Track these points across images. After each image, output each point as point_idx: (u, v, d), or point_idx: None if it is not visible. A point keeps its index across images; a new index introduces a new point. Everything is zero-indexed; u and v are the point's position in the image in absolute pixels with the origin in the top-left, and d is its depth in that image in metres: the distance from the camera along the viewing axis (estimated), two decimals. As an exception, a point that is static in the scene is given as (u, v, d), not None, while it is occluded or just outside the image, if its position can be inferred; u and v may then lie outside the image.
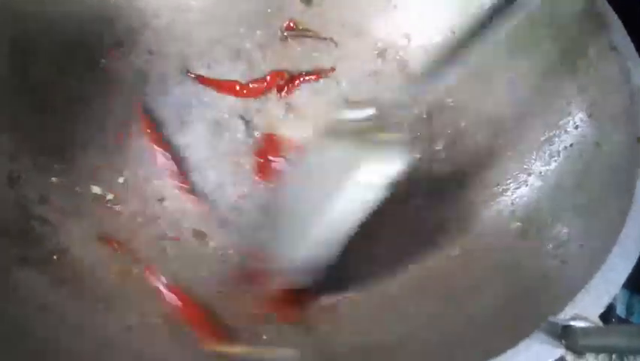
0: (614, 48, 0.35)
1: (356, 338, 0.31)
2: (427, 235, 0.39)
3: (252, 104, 0.48)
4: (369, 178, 0.32)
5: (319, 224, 0.34)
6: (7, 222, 0.33)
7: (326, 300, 0.36)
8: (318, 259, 0.34)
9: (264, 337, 0.32)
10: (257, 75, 0.49)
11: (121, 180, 0.41)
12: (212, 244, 0.40)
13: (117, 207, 0.39)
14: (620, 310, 0.42)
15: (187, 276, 0.36)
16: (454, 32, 0.46)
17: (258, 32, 0.50)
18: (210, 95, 0.48)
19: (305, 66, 0.50)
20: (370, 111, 0.37)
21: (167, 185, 0.42)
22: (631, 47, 0.35)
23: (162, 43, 0.48)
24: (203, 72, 0.48)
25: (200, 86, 0.48)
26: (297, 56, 0.50)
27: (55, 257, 0.33)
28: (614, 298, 0.42)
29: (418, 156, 0.45)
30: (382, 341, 0.29)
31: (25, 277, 0.30)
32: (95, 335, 0.28)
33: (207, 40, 0.50)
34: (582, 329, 0.23)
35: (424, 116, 0.47)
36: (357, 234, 0.35)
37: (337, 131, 0.37)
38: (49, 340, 0.26)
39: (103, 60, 0.45)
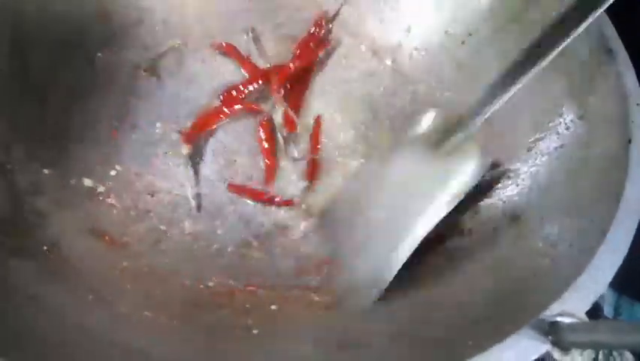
0: (607, 51, 0.35)
1: (345, 332, 0.31)
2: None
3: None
4: (449, 189, 0.34)
5: (399, 239, 0.35)
6: (1, 214, 0.33)
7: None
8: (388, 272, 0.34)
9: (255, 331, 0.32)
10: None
11: (113, 173, 0.41)
12: (203, 238, 0.40)
13: (109, 200, 0.39)
14: (608, 312, 0.43)
15: (179, 268, 0.36)
16: (447, 32, 0.46)
17: (253, 28, 0.51)
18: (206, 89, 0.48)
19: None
20: (430, 119, 0.37)
21: (158, 179, 0.42)
22: (623, 50, 0.35)
23: (157, 38, 0.48)
24: (197, 67, 0.49)
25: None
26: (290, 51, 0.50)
27: (46, 248, 0.33)
28: (602, 299, 0.43)
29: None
30: (369, 336, 0.30)
31: (16, 268, 0.30)
32: (85, 326, 0.27)
33: (202, 36, 0.50)
34: (569, 324, 0.23)
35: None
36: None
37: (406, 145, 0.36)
38: (38, 330, 0.25)
39: (99, 54, 0.45)
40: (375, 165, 0.42)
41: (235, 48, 0.49)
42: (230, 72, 0.49)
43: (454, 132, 0.37)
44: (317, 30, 0.49)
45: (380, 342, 0.29)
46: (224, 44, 0.49)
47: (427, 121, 0.40)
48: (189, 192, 0.42)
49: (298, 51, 0.49)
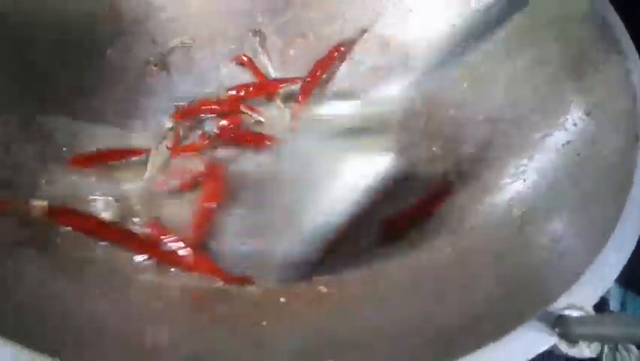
0: (617, 50, 0.35)
1: (346, 333, 0.32)
2: (422, 231, 0.39)
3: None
4: (354, 178, 0.34)
5: (305, 220, 0.35)
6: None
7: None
8: (305, 256, 0.35)
9: (264, 323, 0.32)
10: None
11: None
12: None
13: (118, 195, 0.39)
14: (614, 307, 0.43)
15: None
16: (454, 25, 0.46)
17: (260, 26, 0.51)
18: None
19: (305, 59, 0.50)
20: (356, 107, 0.37)
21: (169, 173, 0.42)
22: (632, 47, 0.35)
23: (166, 34, 0.49)
24: (205, 64, 0.49)
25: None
26: (299, 48, 0.50)
27: (58, 240, 0.33)
28: (609, 294, 0.43)
29: (415, 153, 0.45)
30: (373, 335, 0.30)
31: (26, 260, 0.30)
32: (94, 314, 0.28)
33: (210, 33, 0.50)
34: (576, 317, 0.23)
35: (423, 115, 0.47)
36: (347, 230, 0.35)
37: (319, 127, 0.37)
38: (48, 322, 0.26)
39: (108, 50, 0.45)
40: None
41: (251, 61, 0.50)
42: (238, 70, 0.50)
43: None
44: (336, 53, 0.50)
45: (384, 337, 0.29)
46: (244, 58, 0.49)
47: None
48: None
49: (318, 72, 0.49)
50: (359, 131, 0.37)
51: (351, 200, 0.34)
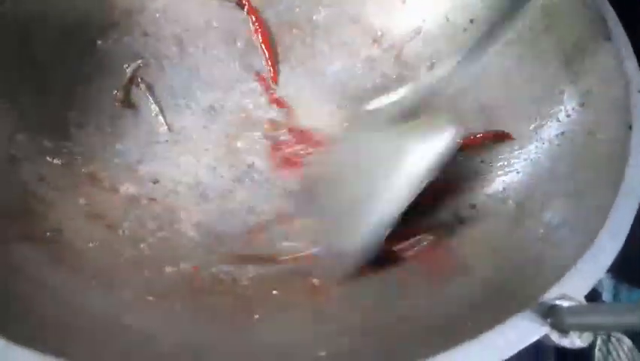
0: (608, 38, 0.35)
1: (339, 323, 0.32)
2: (417, 221, 0.39)
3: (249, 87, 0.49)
4: (418, 161, 0.33)
5: (367, 214, 0.34)
6: (6, 200, 0.33)
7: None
8: (364, 249, 0.34)
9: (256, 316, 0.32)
10: (252, 59, 0.50)
11: (115, 160, 0.41)
12: (205, 225, 0.40)
13: (111, 187, 0.39)
14: (607, 298, 0.43)
15: (181, 255, 0.36)
16: (448, 19, 0.46)
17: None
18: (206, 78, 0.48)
19: (299, 52, 0.50)
20: (396, 96, 0.36)
21: (162, 167, 0.42)
22: (625, 37, 0.35)
23: (158, 25, 0.48)
24: (199, 56, 0.49)
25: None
26: (292, 40, 0.50)
27: (49, 234, 0.33)
28: (601, 286, 0.43)
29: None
30: (366, 325, 0.30)
31: (23, 254, 0.30)
32: (88, 309, 0.28)
33: (203, 24, 0.50)
34: (568, 307, 0.23)
35: (420, 105, 0.47)
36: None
37: (372, 121, 0.36)
38: (41, 313, 0.26)
39: (99, 41, 0.45)
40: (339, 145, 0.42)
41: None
42: (231, 61, 0.49)
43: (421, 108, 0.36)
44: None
45: (380, 327, 0.29)
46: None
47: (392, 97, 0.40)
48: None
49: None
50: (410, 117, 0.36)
51: (415, 185, 0.33)
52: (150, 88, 0.46)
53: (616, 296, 0.43)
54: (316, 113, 0.48)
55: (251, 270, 0.36)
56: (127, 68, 0.46)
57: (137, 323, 0.28)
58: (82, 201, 0.37)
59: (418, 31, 0.48)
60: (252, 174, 0.44)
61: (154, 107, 0.45)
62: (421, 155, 0.33)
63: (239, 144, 0.46)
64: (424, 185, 0.33)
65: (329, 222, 0.38)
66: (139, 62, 0.47)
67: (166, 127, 0.44)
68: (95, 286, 0.31)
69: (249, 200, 0.42)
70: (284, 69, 0.50)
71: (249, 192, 0.43)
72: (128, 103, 0.45)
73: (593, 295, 0.26)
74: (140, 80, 0.46)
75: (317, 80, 0.49)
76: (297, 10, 0.51)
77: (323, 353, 0.26)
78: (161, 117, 0.45)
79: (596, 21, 0.36)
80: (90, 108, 0.42)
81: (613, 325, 0.22)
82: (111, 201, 0.38)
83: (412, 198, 0.34)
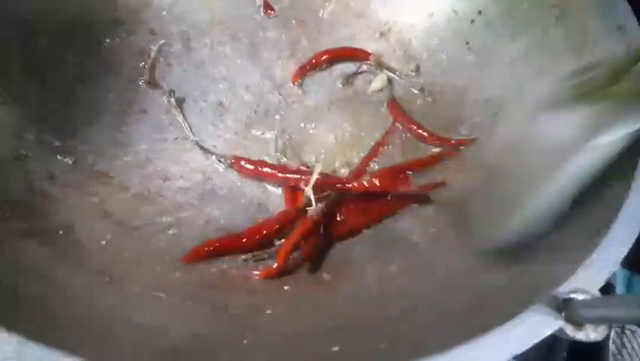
0: (619, 27, 0.35)
1: (349, 316, 0.32)
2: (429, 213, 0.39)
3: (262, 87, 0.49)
4: (610, 136, 0.29)
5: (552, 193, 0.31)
6: (15, 198, 0.33)
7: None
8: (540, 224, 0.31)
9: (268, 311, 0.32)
10: (259, 56, 0.49)
11: (124, 157, 0.41)
12: (215, 221, 0.40)
13: (120, 185, 0.39)
14: (620, 291, 0.43)
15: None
16: (456, 12, 0.46)
17: (261, 14, 0.51)
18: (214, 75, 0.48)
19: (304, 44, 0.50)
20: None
21: (171, 165, 0.42)
22: (636, 25, 0.35)
23: (164, 23, 0.48)
24: (205, 52, 0.49)
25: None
26: (298, 35, 0.50)
27: (60, 232, 0.33)
28: (614, 278, 0.43)
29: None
30: (383, 314, 0.30)
31: (33, 251, 0.30)
32: (98, 305, 0.28)
33: (209, 21, 0.50)
34: (582, 300, 0.23)
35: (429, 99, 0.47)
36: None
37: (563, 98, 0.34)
38: (51, 309, 0.26)
39: (106, 40, 0.45)
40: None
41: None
42: (237, 57, 0.49)
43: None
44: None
45: (390, 318, 0.29)
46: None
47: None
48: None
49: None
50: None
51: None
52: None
53: (629, 288, 0.43)
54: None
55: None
56: (153, 47, 0.46)
57: (147, 318, 0.28)
58: (92, 199, 0.37)
59: (425, 25, 0.47)
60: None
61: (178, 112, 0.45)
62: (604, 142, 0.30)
63: (247, 141, 0.46)
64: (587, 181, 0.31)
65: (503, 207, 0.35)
66: (161, 42, 0.47)
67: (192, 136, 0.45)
68: (105, 282, 0.31)
69: (258, 196, 0.43)
70: (290, 64, 0.50)
71: (258, 187, 0.43)
72: (154, 83, 0.46)
73: (607, 287, 0.26)
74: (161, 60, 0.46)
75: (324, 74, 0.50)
76: (302, 6, 0.51)
77: (336, 348, 0.25)
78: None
79: (607, 10, 0.35)
80: (98, 106, 0.42)
81: (627, 317, 0.22)
82: (121, 199, 0.39)
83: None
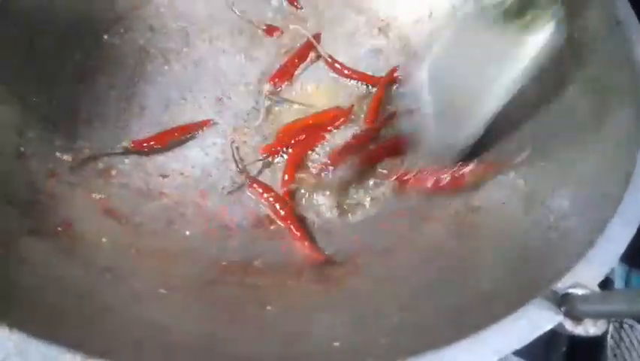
0: (618, 22, 0.35)
1: (354, 311, 0.32)
2: (430, 210, 0.39)
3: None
4: (523, 53, 0.34)
5: (475, 108, 0.37)
6: (17, 195, 0.33)
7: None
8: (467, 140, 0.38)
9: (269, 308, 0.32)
10: (258, 51, 0.49)
11: (126, 155, 0.41)
12: (216, 218, 0.40)
13: (121, 181, 0.40)
14: (619, 285, 0.43)
15: (193, 247, 0.37)
16: (454, 7, 0.46)
17: (259, 10, 0.51)
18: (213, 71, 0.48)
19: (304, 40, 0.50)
20: None
21: (171, 161, 0.42)
22: (635, 20, 0.35)
23: (163, 19, 0.48)
24: (204, 48, 0.49)
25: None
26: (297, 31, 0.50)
27: (62, 229, 0.33)
28: (613, 273, 0.43)
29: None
30: (383, 307, 0.30)
31: (34, 248, 0.31)
32: (101, 302, 0.28)
33: (208, 17, 0.50)
34: (581, 295, 0.23)
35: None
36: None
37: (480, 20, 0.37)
38: (54, 306, 0.26)
39: (105, 36, 0.45)
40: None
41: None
42: (236, 53, 0.49)
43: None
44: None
45: (391, 313, 0.30)
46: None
47: None
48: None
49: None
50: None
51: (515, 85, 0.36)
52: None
53: (628, 283, 0.43)
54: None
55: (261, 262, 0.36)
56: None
57: (150, 314, 0.28)
58: (92, 195, 0.37)
59: (424, 21, 0.47)
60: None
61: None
62: (524, 50, 0.34)
63: (246, 137, 0.46)
64: (518, 86, 0.35)
65: (442, 113, 0.39)
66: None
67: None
68: (107, 279, 0.31)
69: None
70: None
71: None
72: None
73: (605, 282, 0.26)
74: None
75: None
76: (302, 1, 0.51)
77: (337, 344, 0.26)
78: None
79: (606, 5, 0.35)
80: (98, 104, 0.42)
81: (626, 312, 0.22)
82: (121, 196, 0.39)
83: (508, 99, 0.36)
